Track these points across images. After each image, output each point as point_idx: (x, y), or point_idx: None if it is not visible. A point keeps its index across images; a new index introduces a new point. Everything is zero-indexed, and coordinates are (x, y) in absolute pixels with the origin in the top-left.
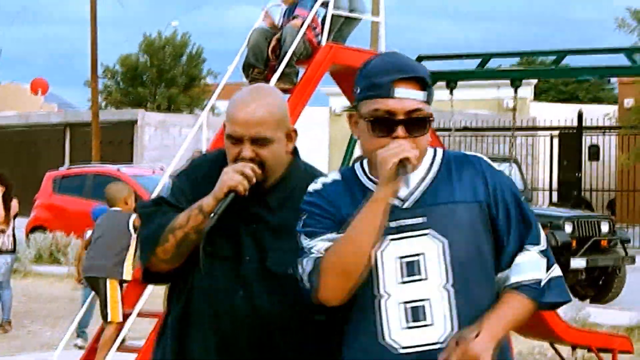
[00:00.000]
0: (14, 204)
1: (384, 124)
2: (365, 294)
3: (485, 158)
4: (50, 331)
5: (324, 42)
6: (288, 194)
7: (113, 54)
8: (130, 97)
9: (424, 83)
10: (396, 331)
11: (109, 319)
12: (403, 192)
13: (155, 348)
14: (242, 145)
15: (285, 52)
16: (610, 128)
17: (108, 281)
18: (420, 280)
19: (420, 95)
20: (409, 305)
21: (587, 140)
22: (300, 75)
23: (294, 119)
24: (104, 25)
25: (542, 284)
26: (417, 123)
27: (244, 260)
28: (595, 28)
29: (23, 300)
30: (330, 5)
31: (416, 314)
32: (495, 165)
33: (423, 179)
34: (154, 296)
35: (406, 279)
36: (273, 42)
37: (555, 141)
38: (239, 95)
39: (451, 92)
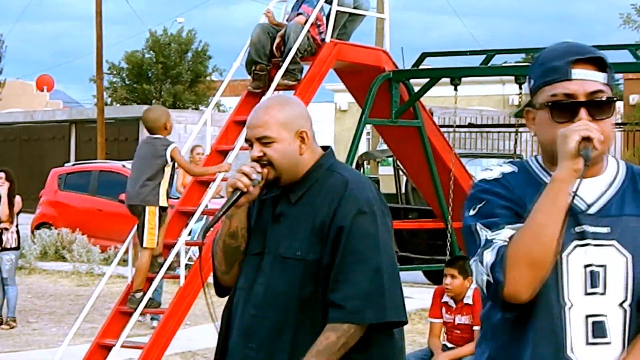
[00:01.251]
0: (18, 200)
1: (565, 108)
2: (551, 300)
3: None
4: (56, 328)
5: (328, 39)
6: (306, 190)
7: (118, 50)
8: (135, 93)
9: (604, 65)
10: (579, 346)
11: (144, 245)
12: (588, 197)
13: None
14: (254, 147)
15: (289, 49)
16: (615, 124)
17: (147, 208)
18: (599, 294)
19: (600, 76)
20: (591, 320)
21: None
22: (304, 72)
23: None
24: (109, 22)
25: None
26: (600, 105)
27: (266, 253)
28: (601, 24)
29: (28, 297)
30: (335, 2)
31: (598, 330)
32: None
33: (609, 185)
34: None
35: (590, 290)
36: (277, 39)
37: None
38: (256, 106)
39: (455, 89)
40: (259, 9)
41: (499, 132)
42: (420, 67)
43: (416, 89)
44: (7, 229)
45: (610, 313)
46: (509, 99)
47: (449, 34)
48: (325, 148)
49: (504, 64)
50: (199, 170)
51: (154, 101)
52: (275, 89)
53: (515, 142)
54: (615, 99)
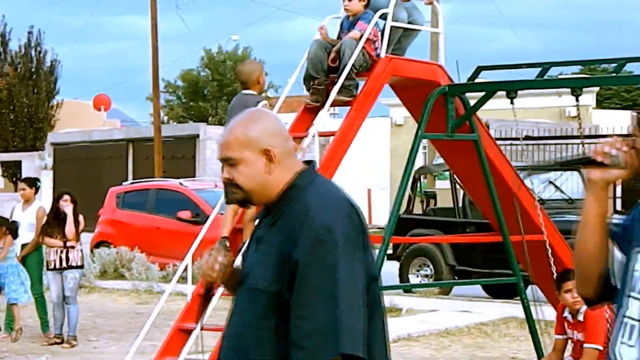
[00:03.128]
0: (81, 219)
1: None
2: (619, 301)
3: None
4: (115, 346)
5: (383, 54)
6: (281, 213)
7: (174, 69)
8: (191, 111)
9: None
10: (619, 344)
11: None
12: None
13: None
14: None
15: (345, 65)
16: None
17: None
18: None
19: None
20: (626, 321)
21: None
22: (360, 87)
23: (354, 131)
24: (165, 41)
25: None
26: None
27: (245, 283)
28: None
29: (88, 315)
30: (389, 17)
31: (629, 332)
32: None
33: None
34: (217, 309)
35: (633, 294)
36: (332, 54)
37: None
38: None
39: (512, 102)
40: (313, 25)
41: (555, 144)
42: (476, 80)
43: (472, 102)
44: (73, 247)
45: None
46: (566, 110)
47: (504, 46)
48: (308, 163)
49: (559, 76)
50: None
51: (210, 119)
52: (332, 105)
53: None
54: None
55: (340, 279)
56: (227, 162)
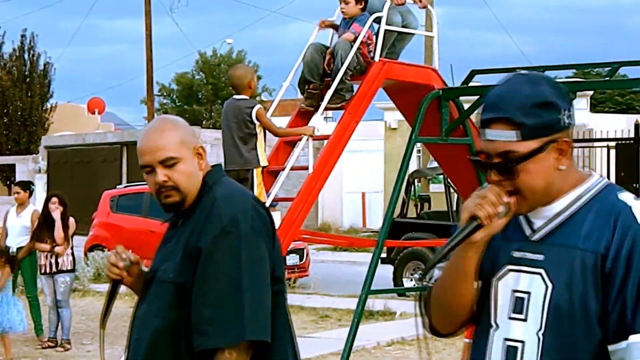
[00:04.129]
0: (71, 222)
1: (480, 165)
2: (484, 321)
3: (636, 208)
4: (110, 349)
5: (377, 58)
6: (190, 210)
7: (168, 72)
8: (185, 115)
9: (517, 122)
10: None
11: None
12: (537, 223)
13: None
14: (155, 173)
15: (338, 68)
16: None
17: (254, 171)
18: (521, 320)
19: (510, 135)
20: (507, 343)
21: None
22: (354, 91)
23: (348, 134)
24: (159, 44)
25: None
26: (506, 168)
27: (154, 278)
28: None
29: (82, 319)
30: (383, 20)
31: (510, 354)
32: None
33: (560, 213)
34: None
35: (512, 315)
36: (327, 56)
37: (612, 152)
38: (143, 131)
39: None
40: (307, 29)
41: None
42: (470, 84)
43: (466, 106)
44: (58, 254)
45: (529, 340)
46: None
47: (498, 50)
48: (213, 166)
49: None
50: (283, 131)
51: (204, 122)
52: (325, 109)
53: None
54: (524, 156)
55: (244, 267)
56: (166, 163)
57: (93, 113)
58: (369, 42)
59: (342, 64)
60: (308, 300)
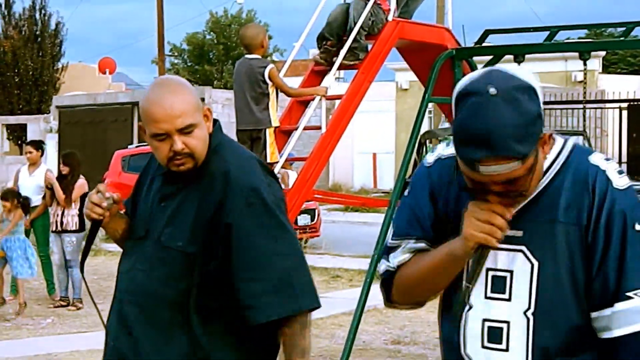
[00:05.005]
0: (79, 183)
1: (476, 192)
2: (453, 301)
3: (610, 172)
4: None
5: (390, 18)
6: (193, 172)
7: (179, 32)
8: (197, 75)
9: (518, 154)
10: (473, 347)
11: (268, 160)
12: None
13: None
14: (171, 140)
15: (352, 28)
16: None
17: (267, 131)
18: (504, 299)
19: (510, 167)
20: (488, 324)
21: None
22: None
23: (361, 95)
24: (170, 4)
25: None
26: (509, 195)
27: (149, 238)
28: None
29: (94, 278)
30: None
31: (494, 335)
32: (617, 178)
33: (535, 186)
34: None
35: (491, 294)
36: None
37: (625, 113)
38: (151, 95)
39: (519, 66)
40: None
41: (562, 109)
42: (483, 44)
43: (479, 66)
44: (63, 213)
45: (515, 321)
46: (572, 75)
47: (510, 10)
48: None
49: (567, 40)
50: (296, 92)
51: (215, 82)
52: (339, 69)
53: (585, 119)
54: (529, 174)
55: (278, 237)
56: (186, 130)
57: (104, 73)
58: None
59: (355, 23)
60: (319, 261)
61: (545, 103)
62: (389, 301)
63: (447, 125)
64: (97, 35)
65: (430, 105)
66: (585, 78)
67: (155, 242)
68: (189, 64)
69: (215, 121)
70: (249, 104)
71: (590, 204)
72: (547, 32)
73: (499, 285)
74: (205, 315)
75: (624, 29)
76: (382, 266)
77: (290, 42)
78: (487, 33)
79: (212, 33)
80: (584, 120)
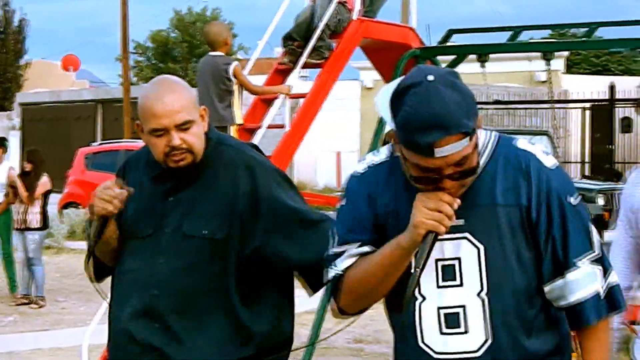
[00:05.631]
0: (43, 181)
1: (428, 181)
2: (406, 291)
3: (539, 154)
4: (84, 306)
5: (355, 17)
6: (201, 165)
7: (144, 29)
8: (161, 73)
9: (469, 129)
10: (431, 336)
11: None
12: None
13: None
14: (169, 135)
15: (317, 26)
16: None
17: (230, 129)
18: (456, 286)
19: (463, 144)
20: (444, 311)
21: (619, 112)
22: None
23: (325, 93)
24: (134, 1)
25: (602, 296)
26: (464, 174)
27: (164, 232)
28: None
29: (56, 276)
30: None
31: (451, 320)
32: (546, 159)
33: None
34: None
35: (443, 283)
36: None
37: (588, 114)
38: (151, 92)
39: (482, 65)
40: None
41: (525, 108)
42: (447, 43)
43: (443, 66)
44: (26, 211)
45: (469, 304)
46: (536, 75)
47: (475, 10)
48: None
49: (530, 40)
50: (260, 89)
51: None
52: (303, 67)
53: (551, 119)
54: (477, 163)
55: (308, 208)
56: (182, 126)
57: (68, 70)
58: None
59: (319, 21)
60: None
61: (510, 102)
62: (339, 310)
63: None
64: (61, 32)
65: None
66: (549, 78)
67: (174, 234)
68: (153, 62)
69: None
70: (212, 101)
71: (528, 185)
72: (511, 32)
73: (449, 273)
74: (246, 295)
75: (587, 29)
76: (330, 273)
77: (255, 40)
78: (450, 33)
79: (176, 31)
80: (554, 119)
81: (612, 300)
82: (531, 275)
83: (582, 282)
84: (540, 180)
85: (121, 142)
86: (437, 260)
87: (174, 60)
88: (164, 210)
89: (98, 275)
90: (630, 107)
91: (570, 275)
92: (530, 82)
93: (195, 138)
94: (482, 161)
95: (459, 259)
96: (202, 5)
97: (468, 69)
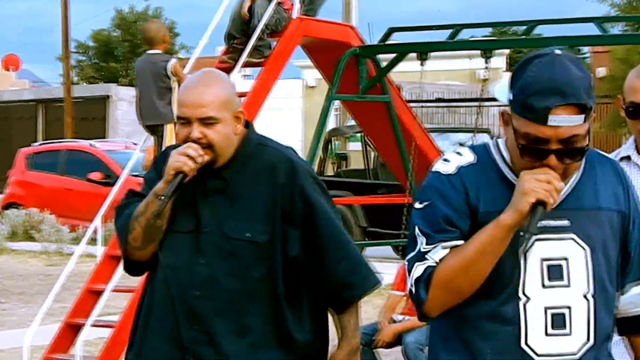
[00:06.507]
0: None
1: (534, 152)
2: (508, 294)
3: (618, 163)
4: (25, 307)
5: (295, 15)
6: (241, 165)
7: (85, 29)
8: (102, 72)
9: (584, 107)
10: (536, 337)
11: None
12: None
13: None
14: (191, 127)
15: (256, 25)
16: None
17: (166, 126)
18: (563, 286)
19: (578, 119)
20: (550, 312)
21: None
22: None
23: (266, 92)
24: (76, 1)
25: None
26: (571, 153)
27: (202, 232)
28: None
29: None
30: None
31: (558, 321)
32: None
33: (570, 178)
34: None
35: (549, 283)
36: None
37: None
38: (188, 81)
39: (422, 64)
40: None
41: (466, 106)
42: (388, 42)
43: (384, 64)
44: None
45: (575, 305)
46: (477, 73)
47: (417, 9)
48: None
49: (471, 39)
50: None
51: (120, 79)
52: (243, 66)
53: (477, 116)
54: (587, 146)
55: (338, 217)
56: (206, 121)
57: (8, 70)
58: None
59: (258, 21)
60: None
61: (451, 100)
62: (421, 310)
63: (353, 122)
64: (2, 31)
65: (337, 102)
66: (486, 77)
67: (214, 235)
68: (95, 61)
69: (247, 122)
70: (152, 99)
71: (624, 192)
72: (451, 30)
73: (556, 272)
74: (290, 301)
75: (526, 27)
76: (420, 267)
77: (196, 39)
78: (391, 31)
79: (118, 30)
80: (477, 118)
81: None
82: (617, 280)
83: None
84: (630, 191)
85: (62, 142)
86: (542, 260)
87: (116, 59)
88: (204, 208)
89: (132, 269)
90: None
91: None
92: (472, 80)
93: (219, 136)
94: (581, 167)
95: (566, 259)
96: (144, 5)
97: (410, 67)
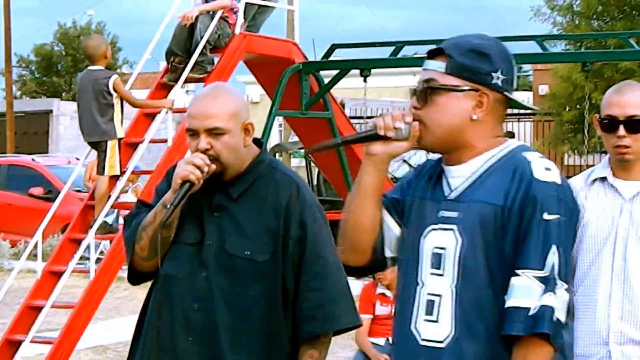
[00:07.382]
0: None
1: (412, 92)
2: (410, 280)
3: (537, 163)
4: None
5: (237, 31)
6: (248, 185)
7: (27, 43)
8: (45, 86)
9: (449, 54)
10: (420, 322)
11: (105, 173)
12: (454, 182)
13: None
14: (199, 138)
15: (198, 41)
16: (525, 114)
17: (108, 142)
18: (439, 275)
19: (439, 66)
20: (427, 298)
21: (503, 126)
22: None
23: None
24: (18, 14)
25: (531, 312)
26: (423, 94)
27: (205, 245)
28: (512, 15)
29: None
30: None
31: (429, 308)
32: (541, 171)
33: (474, 172)
34: (68, 286)
35: (432, 271)
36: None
37: None
38: (197, 94)
39: (365, 80)
40: (169, 1)
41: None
42: (330, 58)
43: (326, 80)
44: None
45: (445, 293)
46: None
47: (361, 25)
48: (256, 141)
49: (414, 55)
50: (142, 103)
51: (63, 94)
52: (185, 82)
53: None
54: (439, 86)
55: (335, 253)
56: (213, 132)
57: None
58: (236, 9)
59: (201, 36)
60: None
61: None
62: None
63: (296, 138)
64: None
65: (280, 118)
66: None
67: (216, 250)
68: (37, 76)
69: (259, 140)
70: (93, 116)
71: (510, 186)
72: (394, 47)
73: (437, 261)
74: (286, 320)
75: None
76: None
77: (140, 54)
78: (334, 47)
79: (60, 44)
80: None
81: (537, 320)
82: (496, 277)
83: (516, 291)
84: (521, 186)
85: (4, 156)
86: (432, 249)
87: (58, 74)
88: (209, 223)
89: (136, 280)
90: (513, 121)
91: (512, 280)
92: None
93: (225, 147)
94: (492, 161)
95: (445, 248)
96: (87, 19)
97: (354, 83)
